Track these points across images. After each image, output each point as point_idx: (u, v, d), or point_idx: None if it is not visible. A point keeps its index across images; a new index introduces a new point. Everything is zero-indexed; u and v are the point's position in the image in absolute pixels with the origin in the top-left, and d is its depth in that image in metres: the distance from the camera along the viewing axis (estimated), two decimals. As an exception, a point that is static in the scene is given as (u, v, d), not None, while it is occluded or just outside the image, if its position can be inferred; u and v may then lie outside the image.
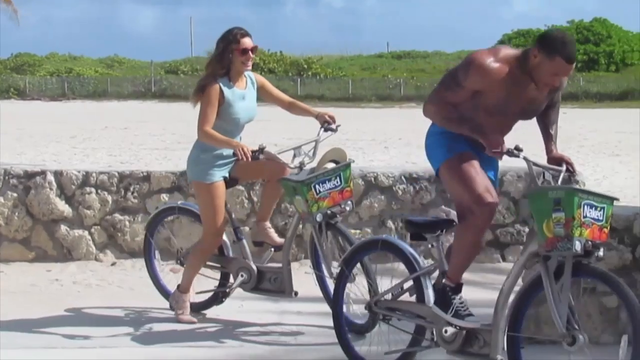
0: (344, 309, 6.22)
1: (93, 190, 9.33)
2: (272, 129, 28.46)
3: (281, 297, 7.12)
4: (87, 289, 8.27)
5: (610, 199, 5.19)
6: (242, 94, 6.99)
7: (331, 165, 6.81)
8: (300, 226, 7.54)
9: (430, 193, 9.13)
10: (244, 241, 7.26)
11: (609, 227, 5.16)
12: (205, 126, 6.82)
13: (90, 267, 9.06)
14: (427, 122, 5.75)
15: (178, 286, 7.21)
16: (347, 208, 6.71)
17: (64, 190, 9.32)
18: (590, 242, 5.07)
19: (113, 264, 9.19)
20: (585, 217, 5.07)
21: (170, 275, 7.79)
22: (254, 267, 7.13)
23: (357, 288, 6.39)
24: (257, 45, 6.98)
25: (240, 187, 9.02)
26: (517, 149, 5.22)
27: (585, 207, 5.10)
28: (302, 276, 8.03)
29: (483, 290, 7.30)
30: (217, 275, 7.39)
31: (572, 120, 36.16)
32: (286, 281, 7.01)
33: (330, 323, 6.21)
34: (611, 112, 49.52)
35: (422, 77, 70.39)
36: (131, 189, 9.34)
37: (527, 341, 5.62)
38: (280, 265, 7.06)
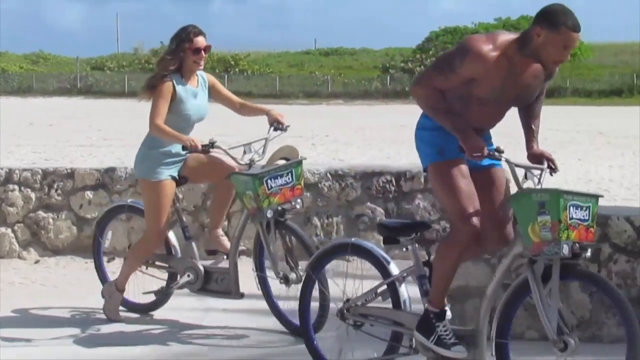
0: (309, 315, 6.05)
1: (16, 187, 9.25)
2: (218, 126, 28.28)
3: (227, 298, 7.00)
4: (10, 287, 8.19)
5: (595, 197, 5.11)
6: (194, 91, 6.96)
7: (282, 162, 6.72)
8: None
9: (356, 190, 9.14)
10: (192, 242, 7.19)
11: (594, 226, 5.09)
12: (157, 119, 6.75)
13: (13, 265, 8.99)
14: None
15: (115, 280, 7.15)
16: (297, 206, 6.66)
17: (-14, 187, 9.25)
18: (577, 244, 4.99)
19: (37, 261, 9.12)
20: (571, 218, 4.99)
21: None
22: (201, 268, 7.05)
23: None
24: (210, 44, 6.97)
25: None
26: (499, 150, 5.11)
27: (571, 208, 5.01)
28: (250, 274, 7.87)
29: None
30: (164, 276, 7.32)
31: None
32: (232, 282, 6.92)
33: (271, 324, 6.26)
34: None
35: (350, 74, 71.41)
36: (55, 186, 9.27)
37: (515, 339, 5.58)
38: (227, 266, 6.97)
